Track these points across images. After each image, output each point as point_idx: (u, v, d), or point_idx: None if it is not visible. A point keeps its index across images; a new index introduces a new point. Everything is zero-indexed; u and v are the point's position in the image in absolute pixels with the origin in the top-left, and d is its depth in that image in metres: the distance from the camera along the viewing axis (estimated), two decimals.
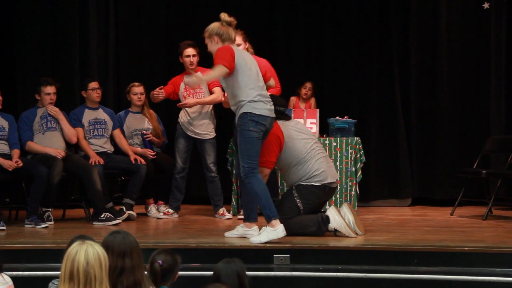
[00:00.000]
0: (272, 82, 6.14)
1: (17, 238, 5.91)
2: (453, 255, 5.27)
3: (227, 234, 5.86)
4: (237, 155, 6.03)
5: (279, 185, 7.08)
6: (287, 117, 6.19)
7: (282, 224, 5.50)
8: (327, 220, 5.83)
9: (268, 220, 5.52)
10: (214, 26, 5.68)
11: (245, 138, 5.54)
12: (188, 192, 7.53)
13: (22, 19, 8.03)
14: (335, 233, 5.87)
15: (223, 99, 6.97)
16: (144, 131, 7.36)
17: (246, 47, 6.78)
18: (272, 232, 5.47)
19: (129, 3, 8.50)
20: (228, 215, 7.16)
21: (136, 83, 7.44)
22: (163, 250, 3.56)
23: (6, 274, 3.43)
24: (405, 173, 8.36)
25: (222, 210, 7.20)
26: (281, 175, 6.72)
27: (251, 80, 5.58)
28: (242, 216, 6.89)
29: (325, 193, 6.00)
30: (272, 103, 5.70)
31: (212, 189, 7.25)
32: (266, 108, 5.59)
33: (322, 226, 5.83)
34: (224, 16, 5.69)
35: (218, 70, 5.49)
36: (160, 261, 3.42)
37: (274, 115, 5.70)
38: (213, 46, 5.67)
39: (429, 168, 8.40)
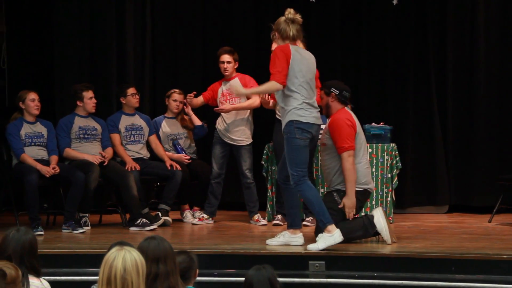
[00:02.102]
0: None
1: (54, 243, 5.99)
2: (491, 263, 5.20)
3: (269, 241, 5.76)
4: (279, 161, 6.01)
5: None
6: (353, 107, 6.15)
7: (338, 229, 5.45)
8: (372, 219, 5.78)
9: (323, 227, 5.46)
10: (278, 21, 5.60)
11: (291, 146, 5.47)
12: (224, 198, 7.55)
13: (60, 28, 8.13)
14: (375, 234, 5.82)
15: (260, 102, 6.99)
16: (176, 137, 7.40)
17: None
18: (329, 238, 5.41)
19: (165, 10, 8.56)
20: (263, 221, 7.15)
21: (178, 91, 7.47)
22: (177, 251, 3.57)
23: (44, 279, 3.48)
24: (442, 179, 8.26)
25: (257, 216, 7.20)
26: (321, 172, 6.66)
27: (300, 87, 5.49)
28: (277, 222, 6.92)
29: (364, 198, 5.97)
30: (318, 109, 5.64)
31: (247, 195, 7.25)
32: (311, 116, 5.51)
33: (369, 229, 5.78)
34: (288, 12, 5.57)
35: (269, 87, 5.46)
36: None
37: (320, 122, 5.64)
38: (275, 41, 5.65)
39: (467, 174, 8.29)
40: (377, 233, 5.82)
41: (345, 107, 6.02)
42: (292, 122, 5.46)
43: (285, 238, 5.68)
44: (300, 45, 6.78)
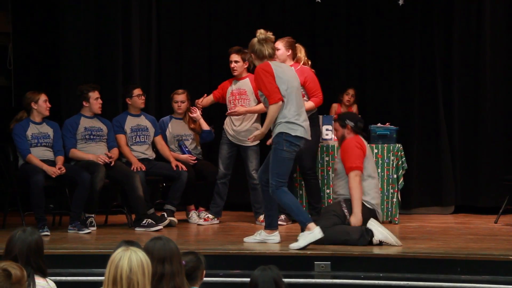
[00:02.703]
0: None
1: (60, 243, 6.00)
2: (497, 264, 5.20)
3: (246, 239, 5.95)
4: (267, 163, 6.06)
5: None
6: (366, 135, 6.36)
7: (318, 227, 5.54)
8: (371, 233, 5.80)
9: (304, 226, 5.56)
10: (251, 43, 5.79)
11: (277, 156, 5.63)
12: (230, 199, 7.55)
13: (66, 29, 8.13)
14: (382, 244, 5.81)
15: None
16: (182, 137, 7.41)
17: (289, 54, 6.76)
18: (310, 235, 5.50)
19: (171, 10, 8.57)
20: None
21: (180, 91, 7.48)
22: (185, 251, 3.58)
23: (50, 279, 3.49)
24: (448, 180, 8.25)
25: (262, 217, 7.18)
26: (326, 173, 6.81)
27: (289, 99, 5.64)
28: (280, 222, 6.91)
29: (370, 216, 6.00)
30: (308, 122, 5.78)
31: (253, 196, 7.25)
32: (301, 129, 5.66)
33: (365, 236, 5.79)
34: (259, 33, 5.76)
35: (273, 112, 5.59)
36: (183, 262, 3.44)
37: (308, 137, 5.76)
38: (254, 61, 5.83)
39: (473, 175, 8.28)
40: (380, 242, 5.80)
41: (358, 135, 6.17)
42: (282, 134, 5.62)
43: (262, 237, 5.87)
44: (302, 50, 6.85)
